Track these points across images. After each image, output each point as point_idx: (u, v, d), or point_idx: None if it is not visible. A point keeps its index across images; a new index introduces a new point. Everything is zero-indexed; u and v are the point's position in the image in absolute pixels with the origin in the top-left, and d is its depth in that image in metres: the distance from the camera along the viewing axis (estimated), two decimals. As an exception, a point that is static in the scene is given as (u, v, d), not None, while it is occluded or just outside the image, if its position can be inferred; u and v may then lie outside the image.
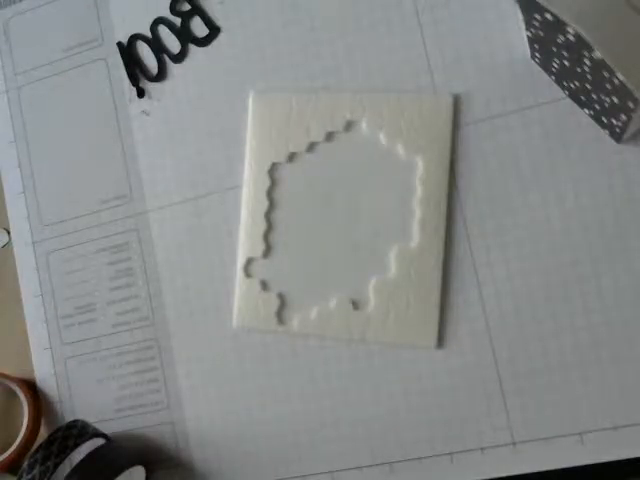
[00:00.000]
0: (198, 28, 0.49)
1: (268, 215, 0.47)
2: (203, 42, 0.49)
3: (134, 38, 0.50)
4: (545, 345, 0.42)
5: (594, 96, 0.39)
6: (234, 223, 0.47)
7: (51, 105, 0.52)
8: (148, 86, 0.50)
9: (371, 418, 0.45)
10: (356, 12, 0.46)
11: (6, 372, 0.51)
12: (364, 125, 0.45)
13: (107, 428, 0.49)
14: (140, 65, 0.50)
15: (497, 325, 0.43)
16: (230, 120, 0.48)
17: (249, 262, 0.47)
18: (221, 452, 0.47)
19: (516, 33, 0.43)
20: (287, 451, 0.46)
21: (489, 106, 0.44)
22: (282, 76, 0.47)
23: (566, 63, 0.38)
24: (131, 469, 0.46)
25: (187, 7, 0.49)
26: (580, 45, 0.34)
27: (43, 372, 0.51)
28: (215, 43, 0.49)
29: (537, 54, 0.42)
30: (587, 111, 0.42)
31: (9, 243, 0.53)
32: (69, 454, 0.44)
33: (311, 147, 0.46)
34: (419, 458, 0.44)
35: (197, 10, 0.49)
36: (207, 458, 0.48)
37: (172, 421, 0.48)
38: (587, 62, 0.35)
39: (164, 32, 0.50)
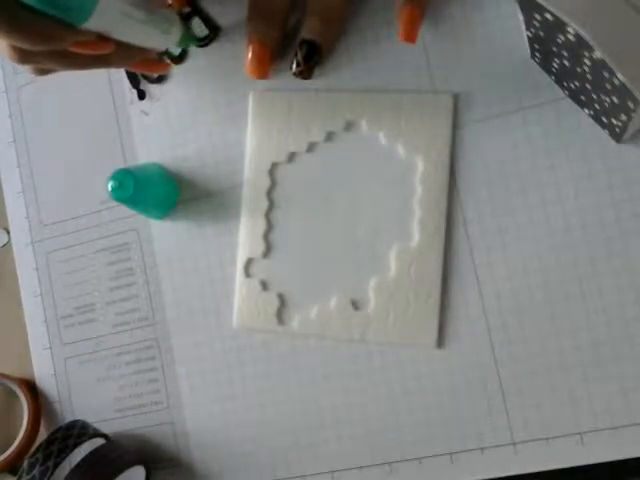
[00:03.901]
0: (198, 28, 0.49)
1: (268, 215, 0.47)
2: (203, 42, 0.48)
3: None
4: (545, 345, 0.42)
5: (594, 96, 0.39)
6: (234, 223, 0.47)
7: (51, 105, 0.52)
8: (149, 88, 0.50)
9: (371, 418, 0.45)
10: (356, 12, 0.46)
11: (6, 372, 0.51)
12: (364, 125, 0.45)
13: (107, 428, 0.49)
14: (140, 66, 0.50)
15: (497, 325, 0.43)
16: (230, 120, 0.48)
17: (249, 262, 0.47)
18: (221, 452, 0.47)
19: (516, 33, 0.43)
20: (287, 451, 0.46)
21: (489, 106, 0.44)
22: (282, 76, 0.47)
23: (566, 63, 0.38)
24: (131, 469, 0.46)
25: (187, 8, 0.49)
26: (580, 45, 0.34)
27: (43, 372, 0.51)
28: (215, 43, 0.49)
29: (537, 54, 0.42)
30: (587, 111, 0.42)
31: (9, 243, 0.53)
32: (69, 454, 0.44)
33: (311, 147, 0.46)
34: (419, 458, 0.44)
35: (197, 10, 0.48)
36: (207, 458, 0.48)
37: (172, 421, 0.48)
38: (587, 62, 0.35)
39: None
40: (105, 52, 0.37)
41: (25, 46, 0.34)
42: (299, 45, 0.44)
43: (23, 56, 0.36)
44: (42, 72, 0.39)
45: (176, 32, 0.42)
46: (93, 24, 0.34)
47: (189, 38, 0.46)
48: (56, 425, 0.50)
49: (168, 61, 0.49)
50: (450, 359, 0.44)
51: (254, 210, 0.47)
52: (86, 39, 0.36)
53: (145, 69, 0.45)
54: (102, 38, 0.36)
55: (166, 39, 0.42)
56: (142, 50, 0.40)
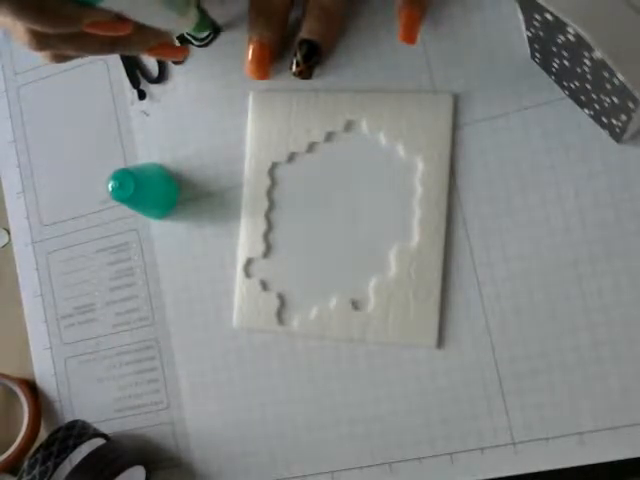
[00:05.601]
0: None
1: (268, 215, 0.47)
2: (203, 42, 0.48)
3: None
4: (545, 345, 0.42)
5: (594, 96, 0.39)
6: (234, 223, 0.47)
7: (51, 105, 0.52)
8: (149, 88, 0.50)
9: (371, 418, 0.45)
10: (356, 12, 0.46)
11: (6, 372, 0.51)
12: (364, 125, 0.45)
13: (107, 428, 0.49)
14: (140, 67, 0.50)
15: (497, 325, 0.43)
16: (230, 120, 0.48)
17: (249, 262, 0.47)
18: (221, 452, 0.47)
19: (516, 33, 0.43)
20: (287, 451, 0.46)
21: (489, 106, 0.44)
22: (282, 76, 0.47)
23: (566, 63, 0.38)
24: (131, 469, 0.46)
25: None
26: (580, 45, 0.34)
27: (43, 372, 0.51)
28: (215, 43, 0.49)
29: (537, 54, 0.42)
30: (587, 111, 0.42)
31: (9, 243, 0.53)
32: (69, 454, 0.44)
33: (311, 147, 0.46)
34: (419, 458, 0.44)
35: (197, 11, 0.48)
36: (207, 458, 0.48)
37: (172, 421, 0.48)
38: (587, 62, 0.35)
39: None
40: (124, 33, 0.37)
41: (44, 29, 0.34)
42: (299, 45, 0.44)
43: (41, 41, 0.35)
44: (60, 59, 0.39)
45: (193, 16, 0.42)
46: (110, 2, 0.34)
47: (205, 23, 0.45)
48: (56, 425, 0.50)
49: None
50: (450, 359, 0.44)
51: (254, 210, 0.47)
52: (104, 19, 0.35)
53: (162, 54, 0.43)
54: (120, 19, 0.36)
55: (183, 22, 0.41)
56: (159, 33, 0.40)
